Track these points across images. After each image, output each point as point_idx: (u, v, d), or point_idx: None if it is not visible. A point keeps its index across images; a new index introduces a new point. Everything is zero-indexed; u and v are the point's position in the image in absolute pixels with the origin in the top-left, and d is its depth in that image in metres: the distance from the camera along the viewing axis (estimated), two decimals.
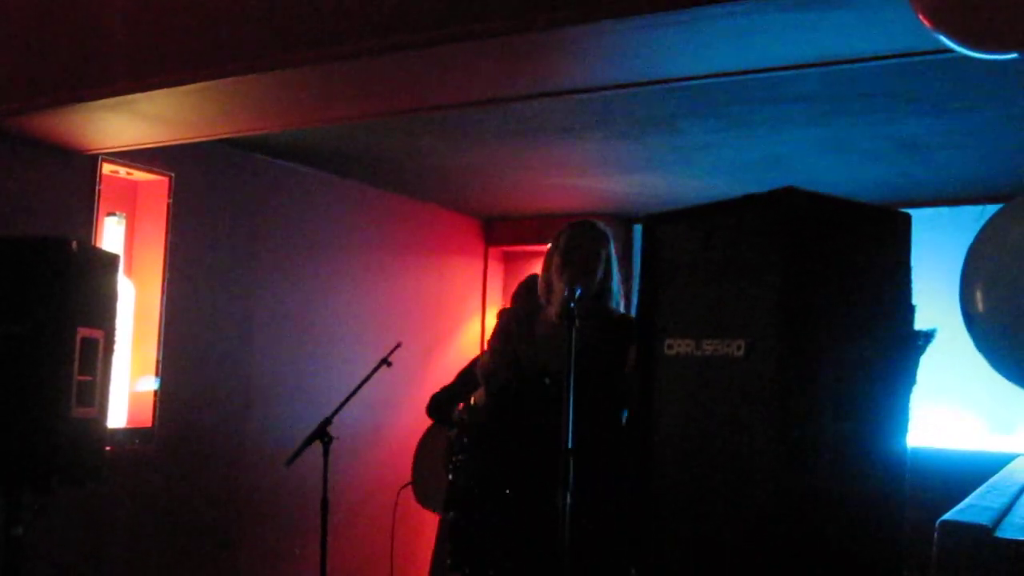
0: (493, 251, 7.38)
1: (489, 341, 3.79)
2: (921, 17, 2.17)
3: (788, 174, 5.28)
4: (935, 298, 2.57)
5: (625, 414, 3.38)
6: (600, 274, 3.46)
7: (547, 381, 3.34)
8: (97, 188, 4.57)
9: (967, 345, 3.29)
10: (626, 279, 3.53)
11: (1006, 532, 2.67)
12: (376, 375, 4.54)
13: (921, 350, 2.30)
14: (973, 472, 4.37)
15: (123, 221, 4.86)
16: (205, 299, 5.10)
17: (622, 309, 3.65)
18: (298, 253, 5.68)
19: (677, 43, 2.93)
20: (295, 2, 3.21)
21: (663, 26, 2.74)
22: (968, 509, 2.92)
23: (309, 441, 4.28)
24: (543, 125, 4.64)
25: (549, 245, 3.62)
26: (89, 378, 3.46)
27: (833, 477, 2.12)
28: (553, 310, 3.52)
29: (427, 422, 4.59)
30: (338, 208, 6.02)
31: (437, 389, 4.59)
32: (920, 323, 2.32)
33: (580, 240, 3.49)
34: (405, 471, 4.65)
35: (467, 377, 4.58)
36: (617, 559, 3.28)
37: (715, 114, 4.31)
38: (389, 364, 4.55)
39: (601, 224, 3.59)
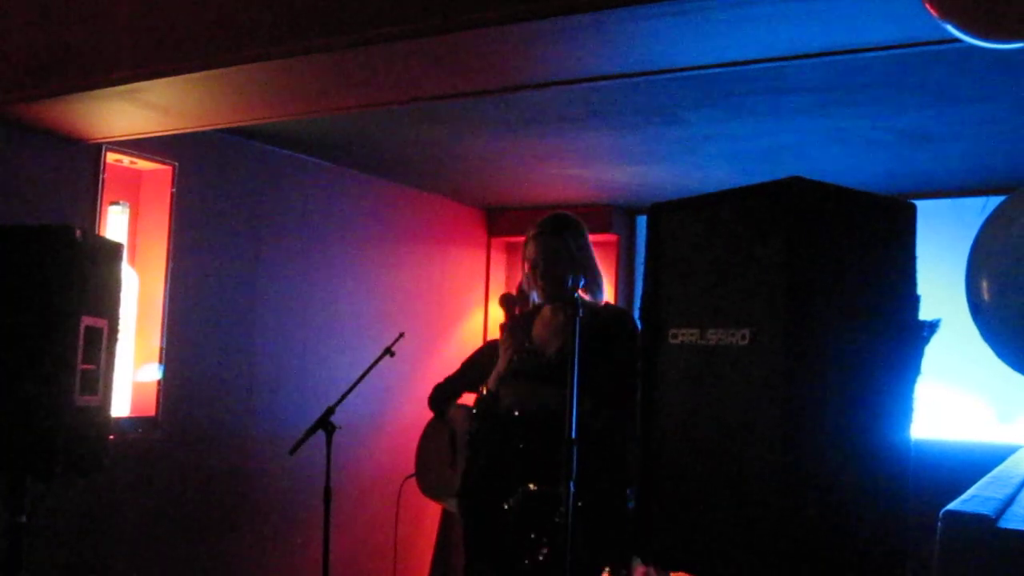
0: (496, 241, 7.38)
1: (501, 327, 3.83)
2: (928, 5, 2.16)
3: (792, 164, 5.27)
4: (939, 289, 2.57)
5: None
6: (571, 266, 3.46)
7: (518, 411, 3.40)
8: (101, 177, 4.57)
9: (972, 336, 3.30)
10: (630, 270, 3.53)
11: (1009, 523, 2.67)
12: (379, 364, 4.54)
13: (926, 340, 2.29)
14: (976, 463, 4.38)
15: (127, 210, 4.86)
16: (208, 288, 5.11)
17: (606, 297, 3.67)
18: (301, 242, 5.68)
19: (681, 33, 2.93)
20: None
21: (667, 15, 2.73)
22: (971, 500, 2.92)
23: (312, 430, 4.29)
24: (546, 115, 4.64)
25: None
26: (93, 367, 3.46)
27: (837, 466, 2.12)
28: (546, 306, 3.56)
29: (430, 413, 4.59)
30: (341, 198, 6.02)
31: (440, 379, 4.59)
32: (924, 314, 2.31)
33: (546, 246, 3.49)
34: (408, 460, 4.65)
35: (470, 368, 4.58)
36: (615, 546, 3.29)
37: (718, 104, 4.30)
38: (392, 354, 4.56)
39: (567, 215, 3.59)
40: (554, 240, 3.49)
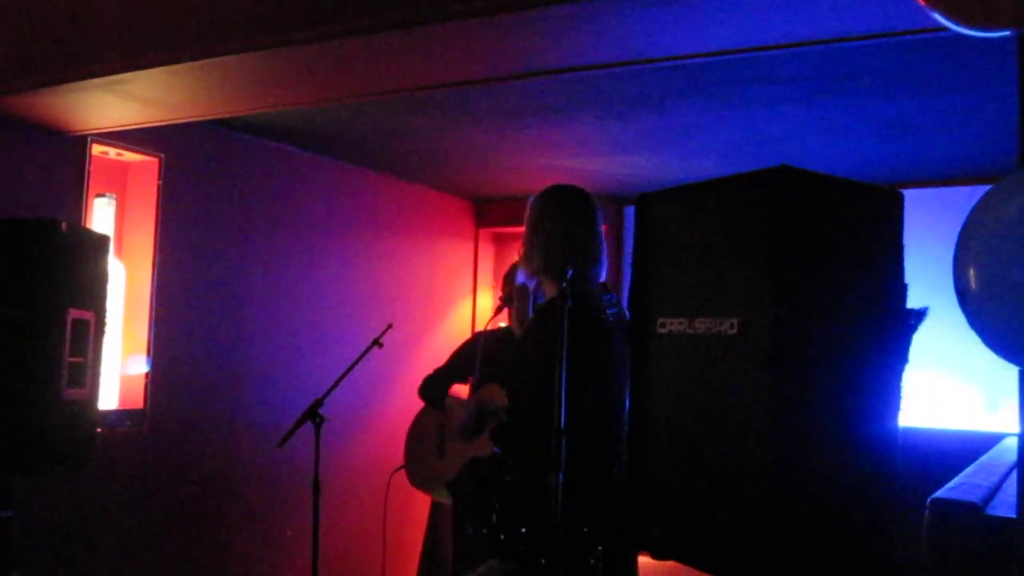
0: (484, 232, 7.38)
1: None
2: None
3: (779, 154, 5.28)
4: (926, 278, 2.58)
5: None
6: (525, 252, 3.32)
7: None
8: (87, 169, 4.55)
9: (959, 323, 3.30)
10: (617, 260, 3.50)
11: (996, 510, 2.69)
12: (367, 356, 4.54)
13: (913, 329, 2.30)
14: (964, 451, 4.40)
15: (113, 202, 4.84)
16: (196, 280, 5.09)
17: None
18: (288, 234, 5.67)
19: (667, 22, 2.92)
20: None
21: (653, 5, 2.73)
22: (959, 487, 2.94)
23: (301, 422, 4.28)
24: (533, 105, 4.63)
25: None
26: (80, 360, 3.45)
27: (825, 455, 2.12)
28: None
29: (419, 404, 4.60)
30: (329, 189, 6.01)
31: (428, 371, 4.59)
32: (912, 302, 2.32)
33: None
34: (397, 452, 4.65)
35: (458, 359, 4.58)
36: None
37: (705, 94, 4.30)
38: (380, 345, 4.55)
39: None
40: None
